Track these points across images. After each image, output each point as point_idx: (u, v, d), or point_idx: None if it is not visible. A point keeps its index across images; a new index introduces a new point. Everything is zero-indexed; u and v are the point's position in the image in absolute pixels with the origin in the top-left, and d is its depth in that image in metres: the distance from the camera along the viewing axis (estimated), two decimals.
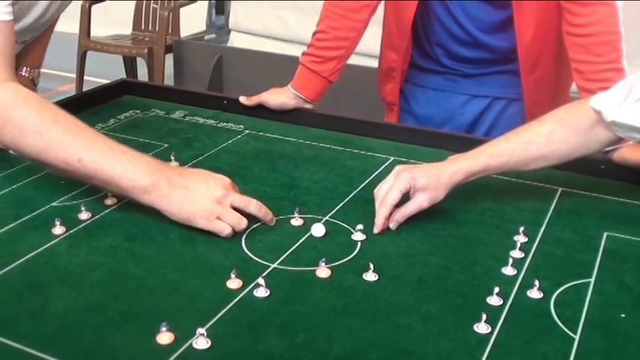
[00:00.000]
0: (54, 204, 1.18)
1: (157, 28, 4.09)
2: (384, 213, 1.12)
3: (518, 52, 1.49)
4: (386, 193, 1.12)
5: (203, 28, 4.58)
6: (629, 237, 1.13)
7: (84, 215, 1.14)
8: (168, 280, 0.99)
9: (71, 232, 1.10)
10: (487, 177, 1.19)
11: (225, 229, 1.09)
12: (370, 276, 1.00)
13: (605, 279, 1.02)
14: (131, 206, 1.18)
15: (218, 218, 1.09)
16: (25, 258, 1.03)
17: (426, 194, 1.13)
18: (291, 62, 1.66)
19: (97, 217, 1.14)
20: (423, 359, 0.85)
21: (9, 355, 0.84)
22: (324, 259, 1.01)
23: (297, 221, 1.14)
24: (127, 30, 4.39)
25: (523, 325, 0.91)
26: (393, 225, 1.12)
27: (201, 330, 0.86)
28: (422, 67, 1.64)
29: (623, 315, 0.94)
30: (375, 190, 1.15)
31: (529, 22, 1.46)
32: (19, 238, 1.08)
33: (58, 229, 1.09)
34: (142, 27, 4.35)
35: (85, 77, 4.13)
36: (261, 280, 0.96)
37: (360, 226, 1.12)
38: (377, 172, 1.33)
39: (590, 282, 1.01)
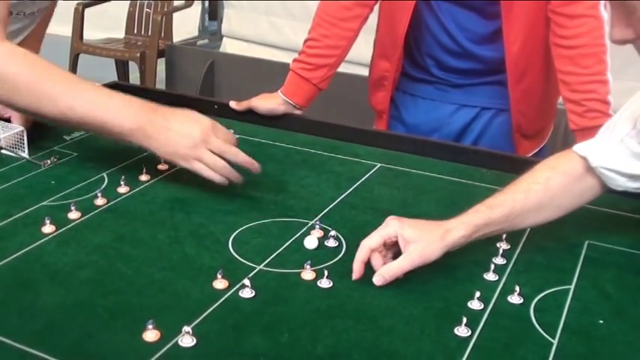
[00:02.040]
0: (44, 203, 1.20)
1: (149, 33, 4.10)
2: (360, 256, 1.01)
3: (506, 62, 1.52)
4: (367, 237, 1.03)
5: (196, 33, 4.60)
6: (609, 246, 1.15)
7: (74, 215, 1.15)
8: (156, 280, 1.00)
9: (61, 230, 1.11)
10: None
11: (203, 170, 1.19)
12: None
13: (584, 286, 1.04)
14: (121, 207, 1.20)
15: (199, 160, 1.18)
16: (14, 256, 1.04)
17: (418, 248, 1.00)
18: (283, 69, 1.68)
19: (86, 217, 1.16)
20: None
21: None
22: (309, 261, 1.03)
23: (317, 232, 1.13)
24: (120, 34, 4.41)
25: (503, 329, 0.93)
26: (377, 279, 1.00)
27: (187, 328, 0.87)
28: (413, 77, 1.66)
29: (601, 321, 0.96)
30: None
31: (517, 33, 1.49)
32: (9, 236, 1.09)
33: (48, 228, 1.11)
34: (135, 31, 4.37)
35: None
36: (246, 281, 0.98)
37: (333, 232, 1.13)
38: (364, 178, 1.35)
39: (569, 289, 1.03)
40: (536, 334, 0.93)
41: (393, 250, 1.05)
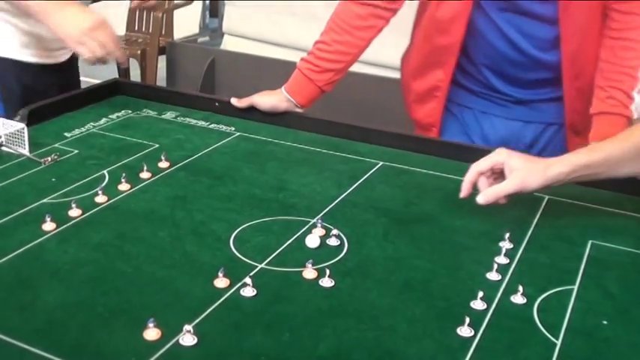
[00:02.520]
0: (45, 201, 1.19)
1: (150, 30, 4.10)
2: (469, 177, 1.14)
3: (562, 60, 1.49)
4: (477, 162, 1.14)
5: (196, 30, 4.59)
6: (613, 246, 1.14)
7: (74, 212, 1.14)
8: (157, 278, 1.00)
9: (61, 228, 1.11)
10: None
11: (84, 53, 1.49)
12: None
13: (588, 286, 1.03)
14: (122, 204, 1.19)
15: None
16: (14, 253, 1.03)
17: (520, 174, 1.10)
18: (284, 66, 1.68)
19: (87, 214, 1.15)
20: None
21: None
22: (311, 260, 1.02)
23: (319, 231, 1.13)
24: (121, 31, 4.39)
25: (506, 329, 0.93)
26: (480, 198, 1.12)
27: (187, 327, 0.87)
28: (467, 88, 1.61)
29: (605, 322, 0.95)
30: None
31: (574, 32, 1.46)
32: (10, 233, 1.09)
33: (49, 226, 1.10)
34: (136, 28, 4.36)
35: None
36: (248, 280, 0.98)
37: (335, 231, 1.12)
38: (366, 177, 1.34)
39: (573, 289, 1.03)
40: (540, 334, 0.92)
41: (496, 177, 1.14)
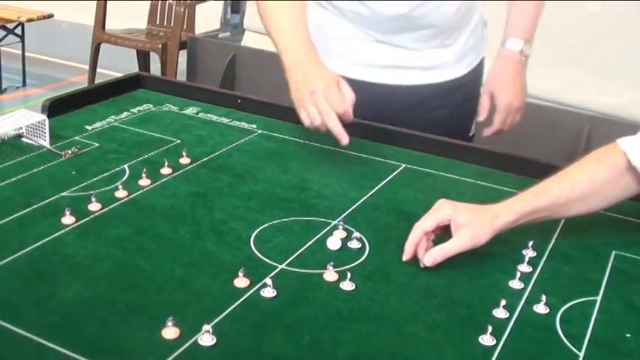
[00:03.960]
0: (64, 194, 1.18)
1: (171, 24, 4.10)
2: (413, 238, 1.05)
3: None
4: (420, 220, 1.07)
5: (218, 26, 4.58)
6: (638, 257, 1.12)
7: (94, 206, 1.14)
8: (176, 276, 0.99)
9: (80, 222, 1.10)
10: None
11: (303, 119, 1.30)
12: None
13: (612, 298, 1.01)
14: (142, 200, 1.18)
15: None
16: (33, 246, 1.03)
17: (469, 232, 1.04)
18: None
19: (107, 209, 1.15)
20: None
21: (15, 342, 0.84)
22: (332, 262, 1.01)
23: (340, 233, 1.12)
24: (142, 24, 4.40)
25: (528, 339, 0.91)
26: (428, 260, 1.03)
27: (207, 327, 0.86)
28: None
29: (628, 335, 0.94)
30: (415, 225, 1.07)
31: None
32: (29, 225, 1.08)
33: (68, 219, 1.10)
34: (157, 22, 4.36)
35: (98, 69, 4.15)
36: (268, 281, 0.97)
37: (357, 234, 1.11)
38: (388, 179, 1.33)
39: (596, 300, 1.01)
40: (563, 346, 0.91)
41: (439, 231, 1.07)
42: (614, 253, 1.13)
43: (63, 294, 0.93)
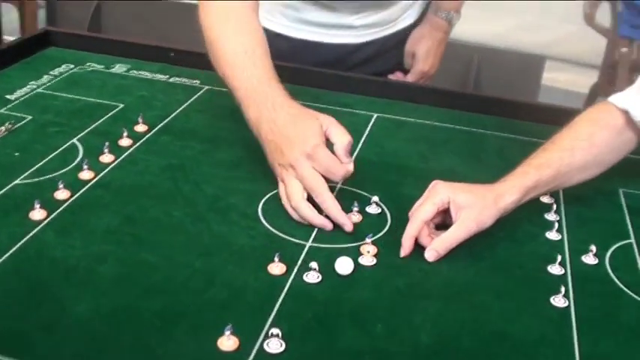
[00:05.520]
0: (17, 182, 0.98)
1: None
2: (411, 231, 0.90)
3: None
4: (416, 207, 0.93)
5: None
6: None
7: (62, 194, 0.95)
8: (198, 269, 0.83)
9: (54, 215, 0.91)
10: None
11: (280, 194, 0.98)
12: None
13: None
14: (113, 180, 1.00)
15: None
16: (9, 253, 0.83)
17: (472, 214, 0.91)
18: (176, 7, 1.46)
19: (77, 195, 0.96)
20: (518, 342, 0.77)
21: None
22: (370, 234, 0.90)
23: (355, 217, 0.96)
24: None
25: (596, 295, 0.86)
26: (430, 255, 0.89)
27: (274, 330, 0.72)
28: None
29: None
30: (410, 211, 0.94)
31: None
32: None
33: (37, 214, 0.90)
34: None
35: None
36: (314, 264, 0.84)
37: (375, 198, 1.00)
38: (367, 131, 1.22)
39: (631, 242, 0.97)
40: (626, 296, 0.86)
41: (437, 218, 0.94)
42: (621, 190, 1.10)
43: (74, 311, 0.75)
